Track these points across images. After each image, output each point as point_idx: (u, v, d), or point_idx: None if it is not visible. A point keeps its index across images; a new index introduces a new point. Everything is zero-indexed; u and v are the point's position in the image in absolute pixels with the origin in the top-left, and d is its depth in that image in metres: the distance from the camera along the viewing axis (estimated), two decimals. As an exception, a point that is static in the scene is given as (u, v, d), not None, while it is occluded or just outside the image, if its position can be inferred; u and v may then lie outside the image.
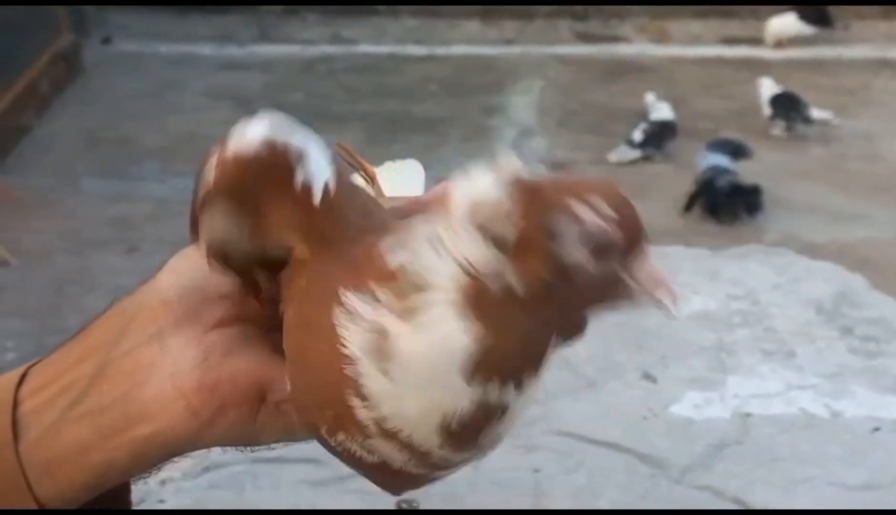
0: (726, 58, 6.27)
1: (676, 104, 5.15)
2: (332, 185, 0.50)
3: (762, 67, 5.85)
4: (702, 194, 4.37)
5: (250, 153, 0.49)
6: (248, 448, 0.59)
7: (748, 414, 1.00)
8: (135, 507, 0.87)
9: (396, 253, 0.47)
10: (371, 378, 0.47)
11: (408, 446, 0.49)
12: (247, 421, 0.54)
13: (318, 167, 0.50)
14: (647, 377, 1.05)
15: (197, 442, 0.56)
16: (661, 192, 4.58)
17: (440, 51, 6.28)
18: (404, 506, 0.88)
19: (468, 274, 0.44)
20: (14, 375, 0.58)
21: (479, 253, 0.44)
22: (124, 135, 5.07)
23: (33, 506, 0.55)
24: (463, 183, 0.47)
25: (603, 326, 1.13)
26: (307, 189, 0.49)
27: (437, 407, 0.47)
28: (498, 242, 0.44)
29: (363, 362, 0.47)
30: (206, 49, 6.23)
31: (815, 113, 5.10)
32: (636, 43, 6.51)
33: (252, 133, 0.50)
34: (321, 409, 0.50)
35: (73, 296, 3.67)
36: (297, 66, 6.04)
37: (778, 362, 1.08)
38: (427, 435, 0.48)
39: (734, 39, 6.46)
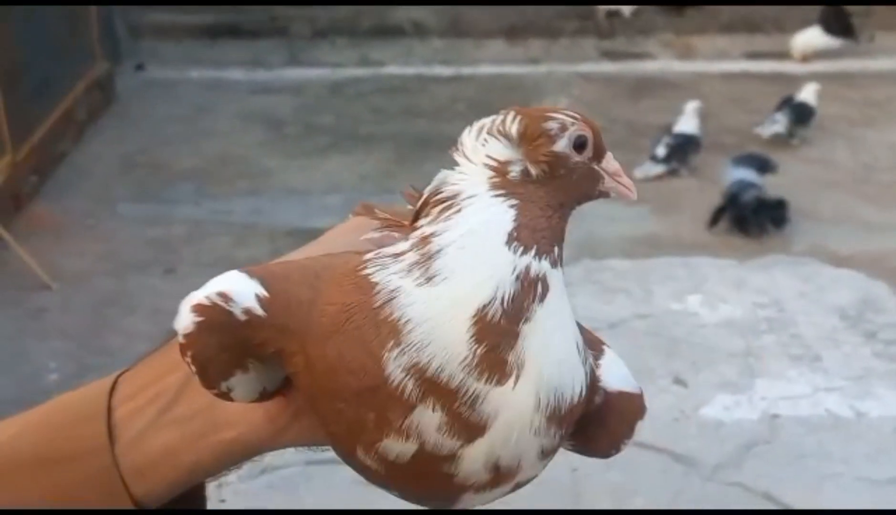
0: (752, 72, 6.31)
1: (703, 119, 5.19)
2: (261, 293, 0.55)
3: (789, 81, 5.89)
4: (728, 208, 4.40)
5: (193, 331, 0.55)
6: (316, 448, 0.64)
7: (776, 416, 1.05)
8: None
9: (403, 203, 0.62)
10: (411, 298, 0.52)
11: (442, 392, 0.52)
12: (316, 425, 0.60)
13: (242, 294, 0.55)
14: (679, 382, 1.09)
15: (273, 445, 0.61)
16: (687, 206, 4.62)
17: (467, 71, 6.36)
18: (450, 504, 0.93)
19: (493, 167, 0.57)
20: (105, 383, 0.63)
21: (496, 148, 0.57)
22: (159, 159, 5.17)
23: (129, 505, 0.60)
24: (464, 135, 0.60)
25: (635, 335, 1.17)
26: (251, 312, 0.55)
27: (476, 292, 0.52)
28: (509, 138, 0.58)
29: (403, 289, 0.53)
30: (237, 74, 6.35)
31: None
32: (661, 59, 6.56)
33: (185, 318, 0.55)
34: (361, 414, 0.54)
35: (113, 318, 3.76)
36: (327, 88, 6.13)
37: (804, 366, 1.12)
38: (460, 350, 0.51)
39: (760, 54, 6.50)
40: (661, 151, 4.89)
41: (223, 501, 0.95)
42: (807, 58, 6.28)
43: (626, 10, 6.54)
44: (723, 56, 6.52)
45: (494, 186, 0.56)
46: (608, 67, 6.43)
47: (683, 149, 4.90)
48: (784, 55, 6.38)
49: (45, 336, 3.64)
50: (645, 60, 6.52)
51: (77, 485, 0.61)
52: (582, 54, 6.49)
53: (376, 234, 0.60)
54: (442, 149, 0.63)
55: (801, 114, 5.18)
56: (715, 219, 4.37)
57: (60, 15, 5.30)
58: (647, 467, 0.97)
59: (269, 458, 0.99)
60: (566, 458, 0.98)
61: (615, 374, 0.60)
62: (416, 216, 0.57)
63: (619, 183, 0.61)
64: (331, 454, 0.98)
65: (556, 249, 0.56)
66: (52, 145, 5.01)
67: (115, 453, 0.60)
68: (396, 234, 0.59)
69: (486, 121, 0.59)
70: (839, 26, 6.21)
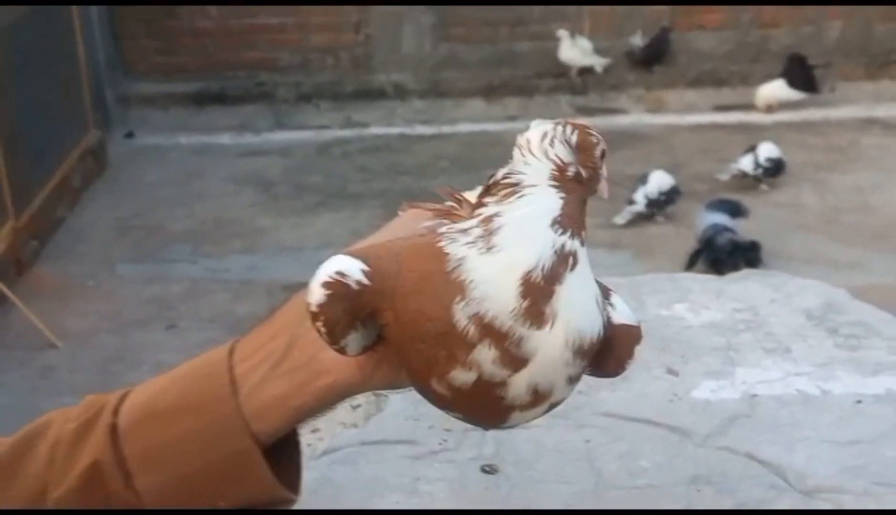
0: (720, 123, 6.57)
1: (675, 169, 5.42)
2: (364, 268, 0.72)
3: (755, 131, 6.16)
4: (703, 251, 4.61)
5: (324, 302, 0.71)
6: (396, 390, 0.81)
7: (755, 395, 1.22)
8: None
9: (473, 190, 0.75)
10: (475, 264, 0.68)
11: (496, 335, 0.68)
12: (396, 371, 0.77)
13: (352, 270, 0.72)
14: (671, 371, 1.27)
15: (362, 387, 0.79)
16: (664, 251, 4.84)
17: (447, 129, 6.59)
18: (487, 470, 1.10)
19: (557, 166, 0.72)
20: (224, 349, 0.80)
21: (562, 152, 0.72)
22: (154, 221, 5.34)
23: (249, 443, 0.76)
24: (531, 135, 0.74)
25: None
26: (360, 283, 0.71)
27: (524, 261, 0.68)
28: (571, 146, 0.73)
29: (468, 258, 0.69)
30: (225, 138, 6.55)
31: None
32: (633, 113, 6.82)
33: (316, 293, 0.72)
34: (436, 352, 0.70)
35: (118, 374, 3.89)
36: (314, 149, 6.34)
37: (777, 356, 1.30)
38: (510, 303, 0.67)
39: (727, 106, 6.77)
40: (639, 198, 5.10)
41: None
42: (771, 109, 6.56)
43: (599, 64, 6.80)
44: (692, 109, 6.78)
45: (554, 180, 0.71)
46: (583, 122, 6.67)
47: (668, 199, 5.11)
48: (750, 106, 6.65)
49: (56, 393, 3.77)
50: (617, 115, 6.78)
51: (206, 428, 0.77)
52: (557, 110, 6.74)
53: (431, 222, 0.75)
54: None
55: (775, 169, 5.41)
56: (692, 262, 4.58)
57: (55, 85, 5.50)
58: (649, 437, 1.15)
59: (328, 442, 1.16)
60: (580, 434, 1.16)
61: (620, 312, 0.76)
62: (484, 193, 0.73)
63: (604, 186, 0.76)
64: (382, 434, 1.16)
65: (583, 232, 0.72)
66: (51, 211, 5.18)
67: (238, 401, 0.77)
68: (446, 221, 0.74)
69: (549, 127, 0.74)
70: (802, 80, 6.49)
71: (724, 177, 5.45)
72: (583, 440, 1.13)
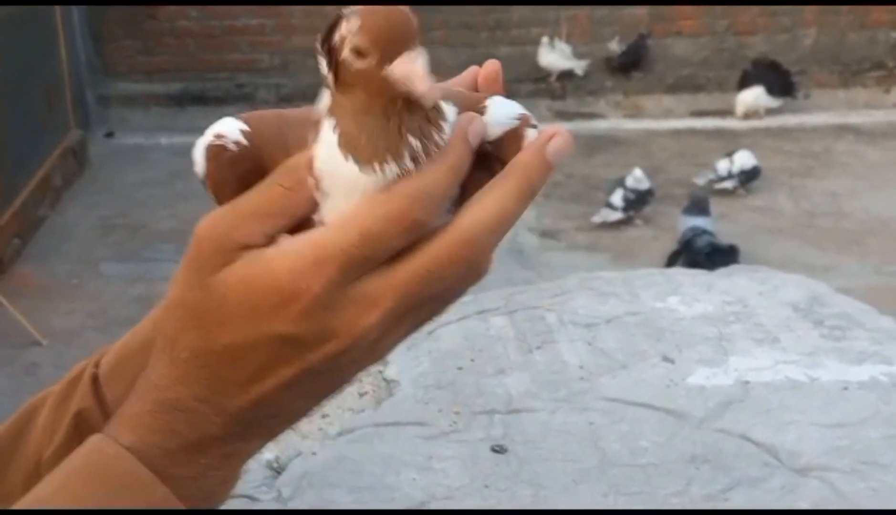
0: (697, 129, 6.67)
1: (653, 173, 5.50)
2: (244, 128, 0.65)
3: (731, 137, 6.27)
4: (682, 253, 4.70)
5: (208, 167, 0.65)
6: None
7: (747, 382, 1.29)
8: (290, 460, 1.14)
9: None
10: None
11: None
12: None
13: (229, 128, 0.65)
14: (667, 359, 1.33)
15: None
16: (643, 253, 4.92)
17: (427, 132, 6.62)
18: (497, 449, 1.16)
19: (325, 85, 0.62)
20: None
21: (323, 64, 0.61)
22: (137, 221, 5.36)
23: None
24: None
25: (629, 327, 1.42)
26: (237, 143, 0.65)
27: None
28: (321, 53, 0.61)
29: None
30: (206, 139, 6.55)
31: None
32: (611, 118, 6.91)
33: (199, 159, 0.65)
34: None
35: (104, 370, 3.91)
36: (295, 151, 6.35)
37: (767, 346, 1.37)
38: None
39: (704, 112, 6.88)
40: (616, 200, 5.18)
41: (315, 454, 1.17)
42: (749, 115, 6.67)
43: (579, 67, 6.88)
44: (669, 114, 6.88)
45: (328, 103, 0.62)
46: (562, 127, 6.74)
47: (641, 199, 5.20)
48: (726, 112, 6.76)
49: (41, 390, 3.78)
50: (596, 120, 6.86)
51: None
52: (537, 115, 6.54)
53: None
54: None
55: (750, 175, 5.52)
56: (670, 264, 4.67)
57: (38, 85, 5.51)
58: (648, 420, 1.20)
59: (340, 425, 1.22)
60: (584, 416, 1.22)
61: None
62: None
63: (408, 83, 0.59)
64: (395, 417, 1.21)
65: (402, 149, 0.61)
66: (32, 210, 5.19)
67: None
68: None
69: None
70: (781, 87, 6.61)
71: (701, 181, 5.54)
72: (587, 422, 1.19)
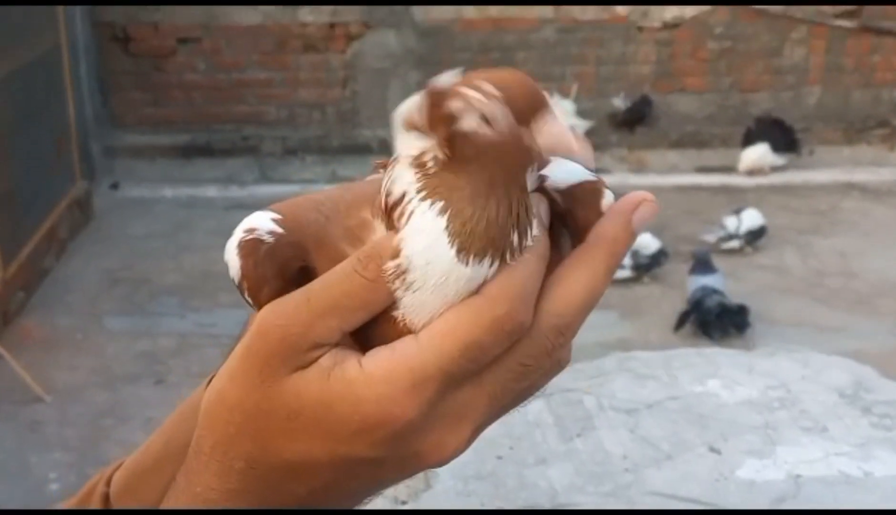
0: (703, 185, 6.67)
1: (659, 229, 5.48)
2: (275, 217, 0.61)
3: (737, 193, 6.26)
4: (692, 313, 4.66)
5: (242, 264, 0.62)
6: None
7: (798, 476, 1.25)
8: None
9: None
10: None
11: None
12: None
13: (259, 220, 0.61)
14: (713, 450, 1.29)
15: None
16: (651, 311, 4.89)
17: (433, 186, 6.61)
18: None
19: (412, 161, 0.56)
20: (202, 388, 0.71)
21: (410, 142, 0.55)
22: (141, 274, 5.32)
23: None
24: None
25: (670, 413, 1.38)
26: (272, 232, 0.60)
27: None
28: (418, 130, 0.55)
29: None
30: (211, 191, 6.55)
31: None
32: (616, 173, 6.90)
33: (233, 261, 0.62)
34: None
35: (109, 428, 3.86)
36: (300, 204, 6.34)
37: (815, 435, 1.33)
38: None
39: (709, 168, 6.88)
40: (625, 260, 5.14)
41: None
42: (753, 172, 6.67)
43: (581, 126, 6.89)
44: (674, 170, 6.88)
45: (416, 170, 0.55)
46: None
47: (653, 261, 5.16)
48: (731, 168, 6.76)
49: (45, 448, 3.73)
50: (600, 174, 6.81)
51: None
52: None
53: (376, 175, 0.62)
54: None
55: (757, 234, 5.50)
56: (680, 324, 4.63)
57: (46, 137, 5.49)
58: (700, 518, 1.17)
59: (382, 520, 1.17)
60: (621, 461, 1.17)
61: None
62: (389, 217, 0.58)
63: (559, 146, 0.54)
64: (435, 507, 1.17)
65: (510, 237, 0.54)
66: (38, 262, 5.15)
67: None
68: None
69: (408, 104, 0.56)
70: (785, 144, 6.62)
71: (711, 238, 5.51)
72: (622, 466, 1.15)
